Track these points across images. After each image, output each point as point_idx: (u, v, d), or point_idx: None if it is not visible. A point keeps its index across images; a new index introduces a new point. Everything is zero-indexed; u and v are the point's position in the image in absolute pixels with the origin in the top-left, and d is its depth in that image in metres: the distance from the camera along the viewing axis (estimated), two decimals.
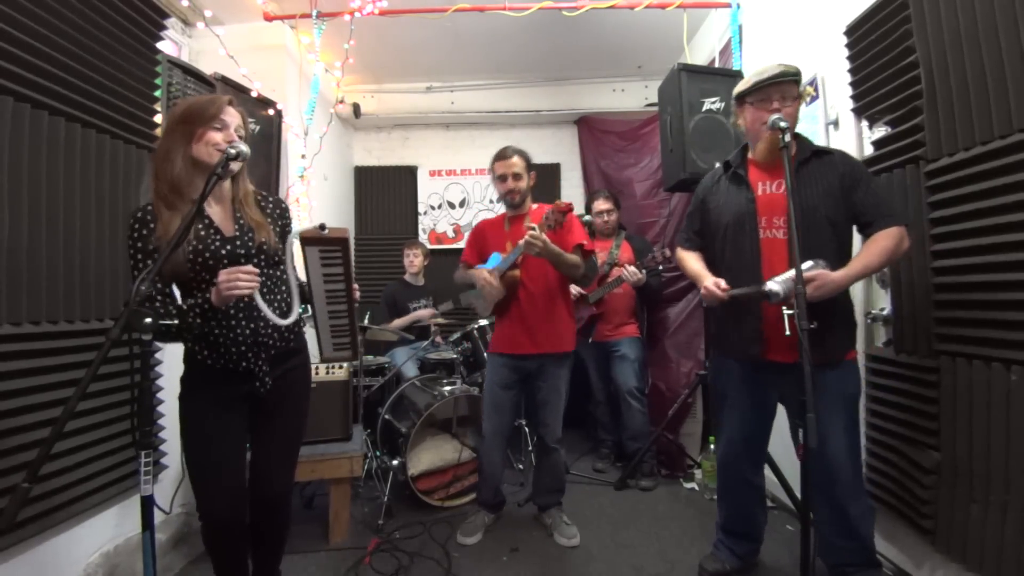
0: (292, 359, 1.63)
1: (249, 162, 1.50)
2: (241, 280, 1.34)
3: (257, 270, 1.39)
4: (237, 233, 1.49)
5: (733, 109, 1.85)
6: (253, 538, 1.64)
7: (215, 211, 1.49)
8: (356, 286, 1.55)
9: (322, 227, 1.38)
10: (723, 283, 1.71)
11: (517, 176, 2.31)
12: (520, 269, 2.24)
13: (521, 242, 2.05)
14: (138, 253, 1.39)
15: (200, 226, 1.43)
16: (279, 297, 1.54)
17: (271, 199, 1.62)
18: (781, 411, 1.88)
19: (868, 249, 1.61)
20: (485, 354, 2.96)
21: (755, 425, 1.88)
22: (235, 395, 1.52)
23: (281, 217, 1.62)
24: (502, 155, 2.34)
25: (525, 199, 2.36)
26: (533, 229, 2.00)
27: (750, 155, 1.85)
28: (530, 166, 2.36)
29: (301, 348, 1.67)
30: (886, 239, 1.60)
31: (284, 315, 1.53)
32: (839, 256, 1.65)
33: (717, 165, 1.99)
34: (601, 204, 3.22)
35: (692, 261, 1.94)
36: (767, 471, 2.14)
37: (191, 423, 1.50)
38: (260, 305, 1.42)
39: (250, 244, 1.48)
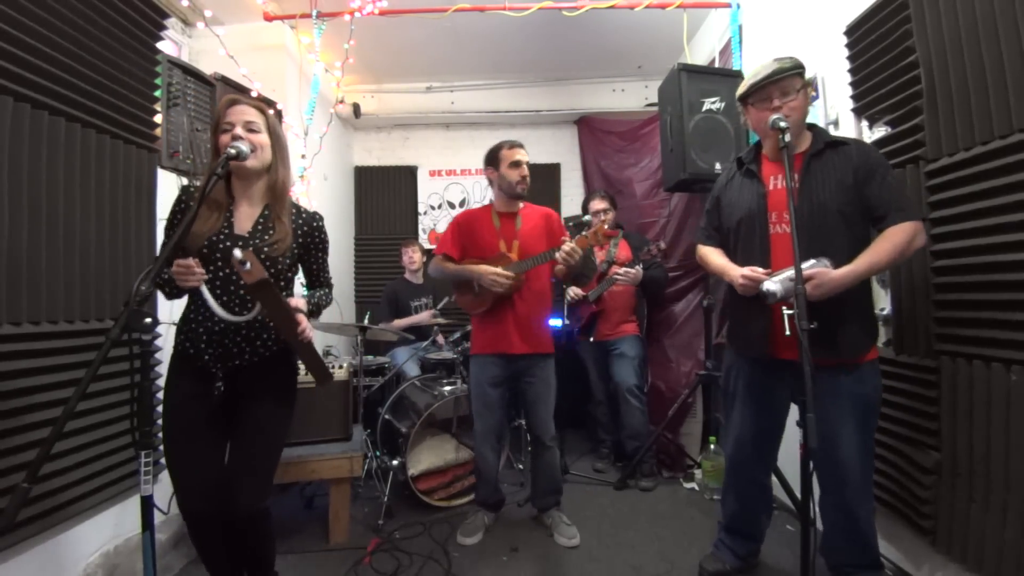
0: (268, 372, 1.58)
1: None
2: (187, 274, 1.35)
3: (201, 270, 1.37)
4: (248, 234, 1.51)
5: (739, 111, 1.85)
6: (240, 553, 1.62)
7: (240, 208, 1.53)
8: (305, 329, 1.49)
9: (241, 261, 1.32)
10: (759, 269, 1.65)
11: (528, 165, 2.33)
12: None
13: (560, 254, 2.09)
14: (169, 230, 1.51)
15: (222, 220, 1.49)
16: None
17: (304, 214, 1.64)
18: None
19: (877, 246, 1.56)
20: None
21: (765, 424, 1.86)
22: (208, 392, 1.52)
23: (307, 235, 1.62)
24: (513, 143, 2.34)
25: None
26: (571, 243, 2.07)
27: (764, 151, 1.83)
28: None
29: (282, 362, 1.62)
30: (898, 235, 1.53)
31: (262, 327, 1.52)
32: (853, 252, 1.56)
33: (718, 165, 1.99)
34: (597, 204, 3.22)
35: (715, 256, 1.90)
36: None
37: (168, 413, 1.52)
38: (207, 298, 1.39)
39: (251, 247, 1.48)
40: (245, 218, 1.53)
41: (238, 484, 1.53)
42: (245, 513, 1.54)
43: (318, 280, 1.72)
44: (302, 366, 1.69)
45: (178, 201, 1.54)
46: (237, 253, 1.31)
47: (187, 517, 1.54)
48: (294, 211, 1.61)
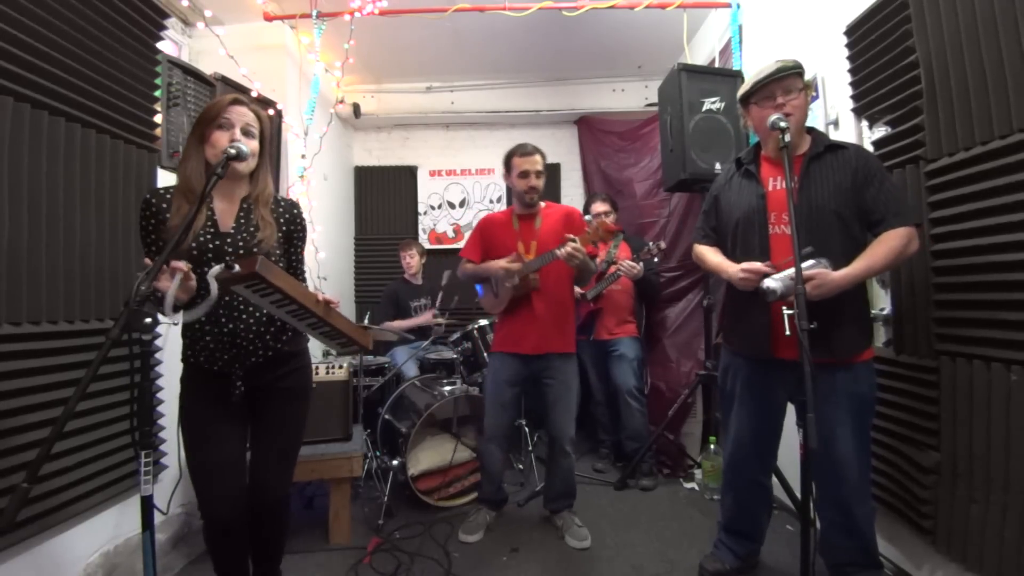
0: (285, 364, 1.59)
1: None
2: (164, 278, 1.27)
3: (185, 268, 1.30)
4: (233, 230, 1.50)
5: (740, 112, 1.85)
6: (252, 541, 1.64)
7: (221, 207, 1.51)
8: (320, 293, 1.47)
9: (229, 266, 1.29)
10: (757, 264, 1.66)
11: (539, 174, 2.33)
12: (539, 271, 2.26)
13: (561, 252, 2.04)
14: (145, 239, 1.48)
15: (205, 219, 1.46)
16: None
17: (283, 202, 1.63)
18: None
19: (873, 250, 1.58)
20: (486, 354, 2.98)
21: (765, 424, 1.86)
22: (225, 398, 1.51)
23: (289, 223, 1.61)
24: (525, 151, 2.32)
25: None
26: (574, 241, 2.03)
27: (763, 152, 1.84)
28: (546, 165, 2.39)
29: (297, 352, 1.64)
30: (893, 239, 1.56)
31: (269, 320, 1.51)
32: (849, 254, 1.59)
33: (718, 165, 1.99)
34: (599, 206, 3.23)
35: (711, 255, 1.91)
36: None
37: (187, 423, 1.51)
38: (167, 299, 1.27)
39: (240, 243, 1.48)
40: (226, 215, 1.51)
41: (265, 473, 1.57)
42: (270, 500, 1.58)
43: (297, 272, 1.70)
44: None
45: (147, 206, 1.44)
46: (216, 270, 1.30)
47: (211, 525, 1.54)
48: (272, 202, 1.60)
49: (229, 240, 1.48)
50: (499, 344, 2.40)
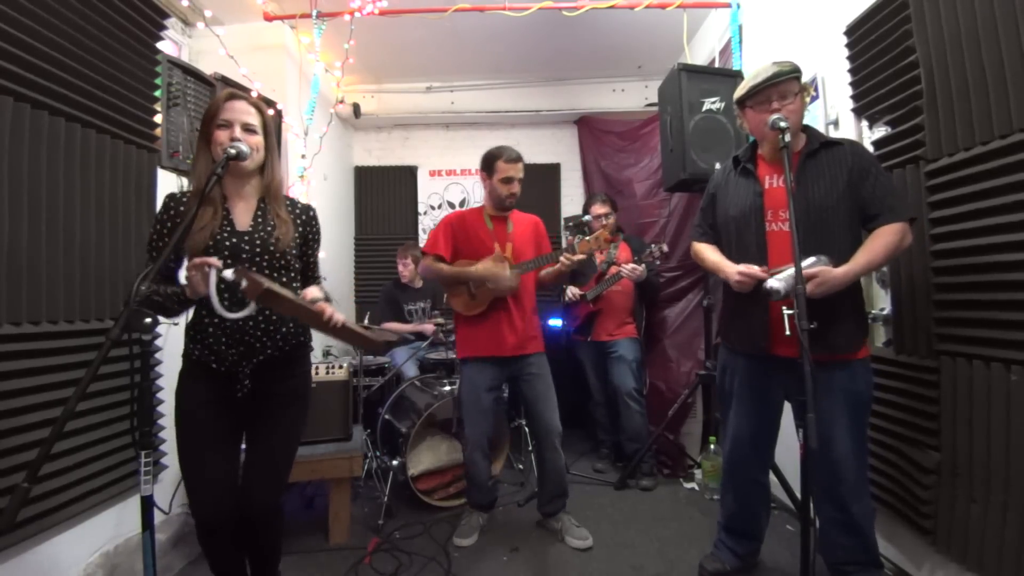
0: (287, 368, 1.58)
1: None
2: (200, 267, 1.33)
3: (218, 263, 1.35)
4: (250, 228, 1.50)
5: (736, 113, 1.86)
6: (247, 547, 1.62)
7: (238, 206, 1.52)
8: (327, 311, 1.44)
9: (237, 281, 1.31)
10: (755, 267, 1.68)
11: (521, 181, 2.35)
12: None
13: (564, 263, 2.19)
14: (155, 235, 1.49)
15: (221, 219, 1.47)
16: None
17: (299, 206, 1.63)
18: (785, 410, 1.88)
19: (871, 245, 1.60)
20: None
21: (762, 423, 1.86)
22: (224, 397, 1.51)
23: (305, 224, 1.62)
24: (511, 157, 2.32)
25: None
26: (571, 250, 2.17)
27: (760, 151, 1.85)
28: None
29: (300, 357, 1.63)
30: (889, 235, 1.58)
31: (280, 319, 1.51)
32: (846, 249, 1.61)
33: (718, 165, 1.99)
34: (598, 208, 3.22)
35: (710, 252, 1.92)
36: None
37: (181, 420, 1.50)
38: (212, 296, 1.35)
39: (257, 241, 1.48)
40: (243, 214, 1.52)
41: (255, 481, 1.54)
42: (260, 509, 1.54)
43: (312, 274, 1.70)
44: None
45: (166, 208, 1.49)
46: (228, 274, 1.31)
47: (200, 524, 1.52)
48: (288, 203, 1.61)
49: (247, 238, 1.48)
50: (473, 348, 2.34)
